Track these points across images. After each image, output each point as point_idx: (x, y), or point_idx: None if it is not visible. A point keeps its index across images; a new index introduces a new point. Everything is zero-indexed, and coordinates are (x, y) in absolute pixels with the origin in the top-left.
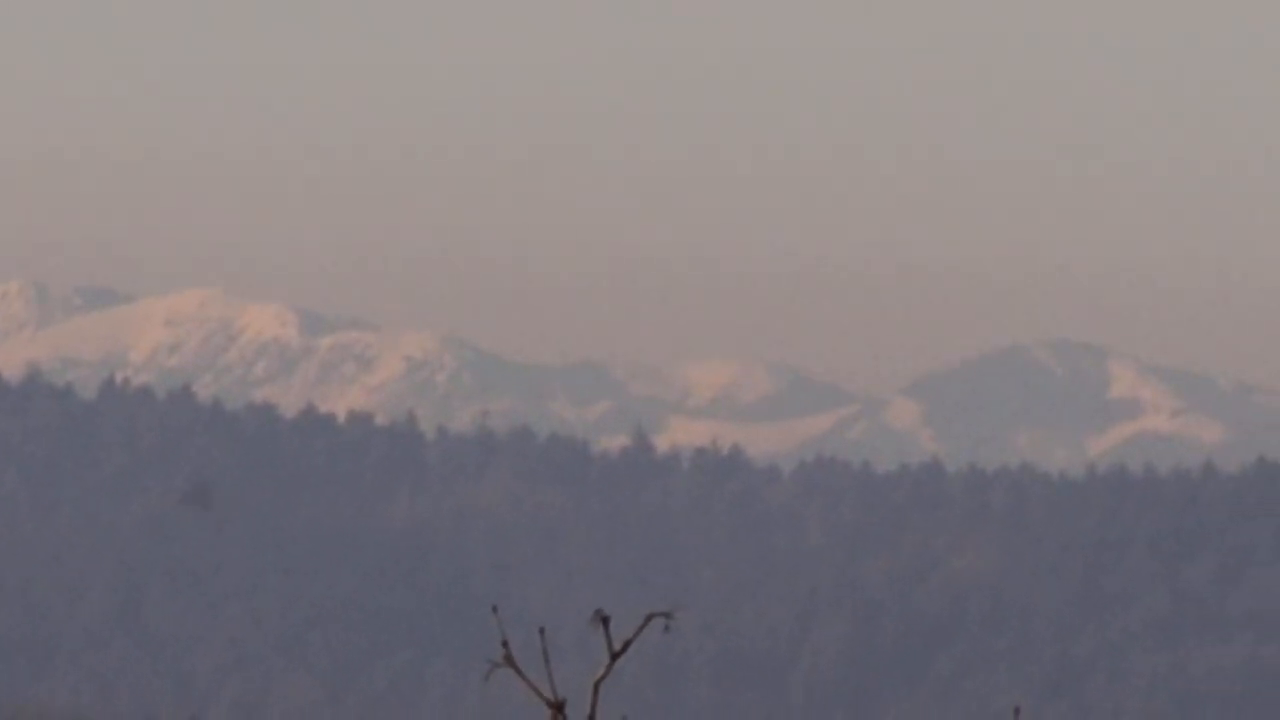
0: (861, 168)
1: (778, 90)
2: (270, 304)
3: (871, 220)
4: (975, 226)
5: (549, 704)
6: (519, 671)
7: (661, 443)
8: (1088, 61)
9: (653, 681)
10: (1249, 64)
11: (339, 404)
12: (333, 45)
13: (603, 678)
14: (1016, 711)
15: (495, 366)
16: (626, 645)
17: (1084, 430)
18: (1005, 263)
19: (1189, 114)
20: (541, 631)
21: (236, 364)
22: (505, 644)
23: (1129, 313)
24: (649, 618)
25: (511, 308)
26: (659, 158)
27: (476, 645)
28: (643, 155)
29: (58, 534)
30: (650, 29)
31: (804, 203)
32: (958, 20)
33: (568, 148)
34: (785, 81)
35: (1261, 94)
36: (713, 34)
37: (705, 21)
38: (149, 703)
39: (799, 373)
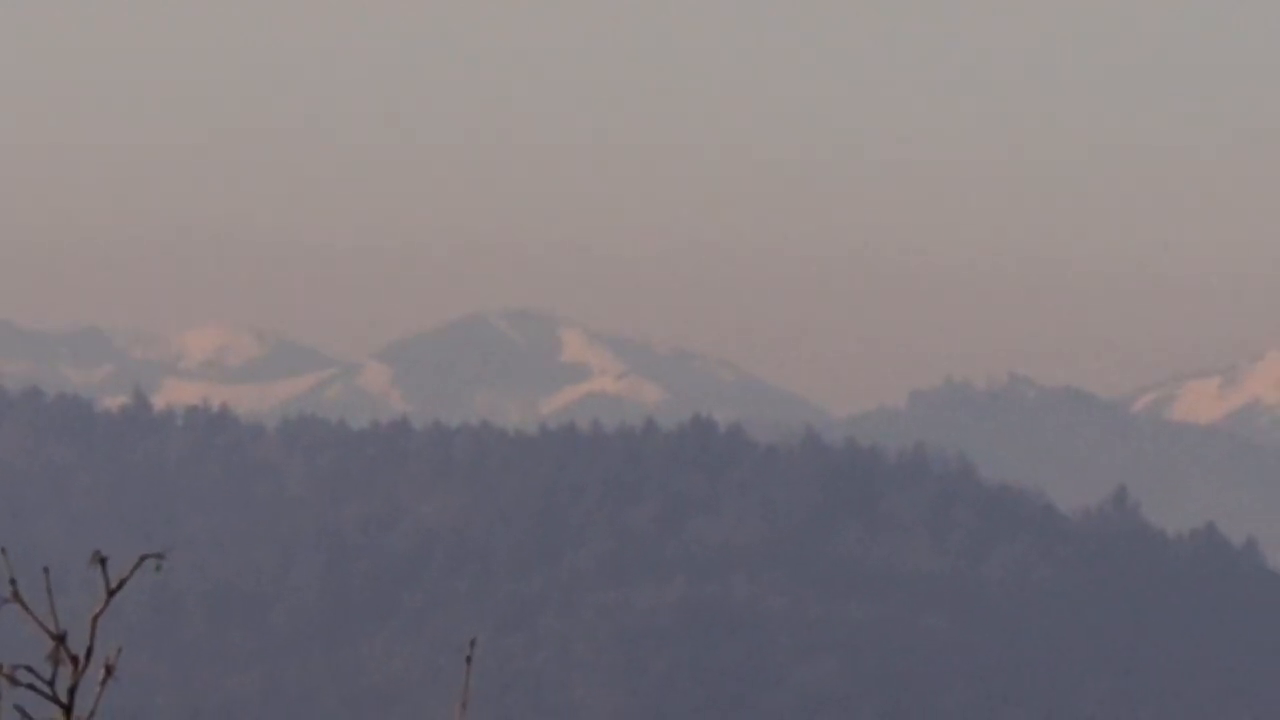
0: (351, 152)
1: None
2: None
3: (334, 193)
4: (437, 202)
5: (52, 636)
6: (25, 607)
7: (158, 402)
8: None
9: (150, 616)
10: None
11: None
12: None
13: (100, 612)
14: (473, 643)
15: (8, 331)
16: (122, 583)
17: (538, 391)
18: (462, 235)
19: (630, 100)
20: (46, 571)
21: None
22: (14, 582)
23: (578, 285)
24: (142, 559)
25: (22, 276)
26: (190, 141)
27: None
28: (177, 138)
29: None
30: None
31: (300, 183)
32: None
33: (100, 128)
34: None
35: (723, 76)
36: None
37: None
38: None
39: (282, 338)
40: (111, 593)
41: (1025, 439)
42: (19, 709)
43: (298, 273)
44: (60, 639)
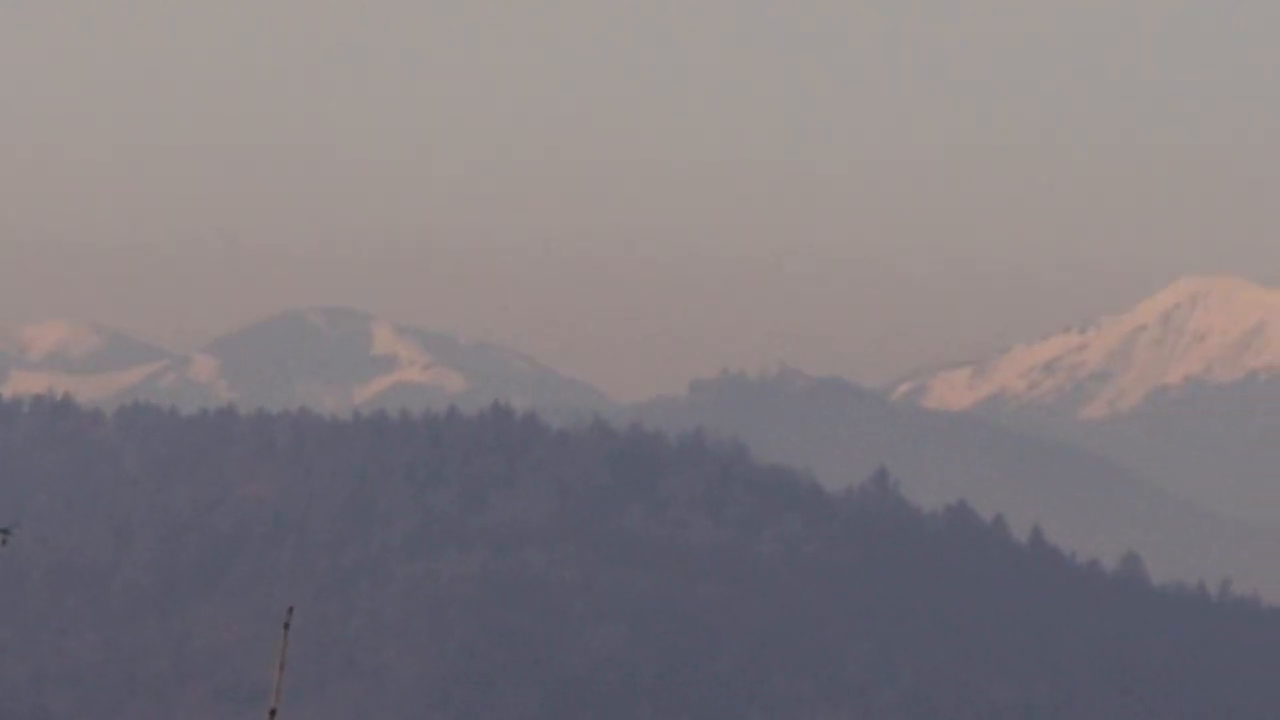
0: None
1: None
2: None
3: (173, 192)
4: (258, 204)
5: None
6: None
7: (5, 391)
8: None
9: None
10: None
11: None
12: None
13: None
14: (291, 611)
15: None
16: None
17: (351, 381)
18: (281, 235)
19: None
20: None
21: None
22: None
23: (386, 284)
24: None
25: None
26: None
27: None
28: (17, 140)
29: None
30: None
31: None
32: None
33: None
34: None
35: (512, 75)
36: None
37: None
38: None
39: (119, 333)
40: None
41: (795, 425)
42: None
43: (133, 272)
44: None
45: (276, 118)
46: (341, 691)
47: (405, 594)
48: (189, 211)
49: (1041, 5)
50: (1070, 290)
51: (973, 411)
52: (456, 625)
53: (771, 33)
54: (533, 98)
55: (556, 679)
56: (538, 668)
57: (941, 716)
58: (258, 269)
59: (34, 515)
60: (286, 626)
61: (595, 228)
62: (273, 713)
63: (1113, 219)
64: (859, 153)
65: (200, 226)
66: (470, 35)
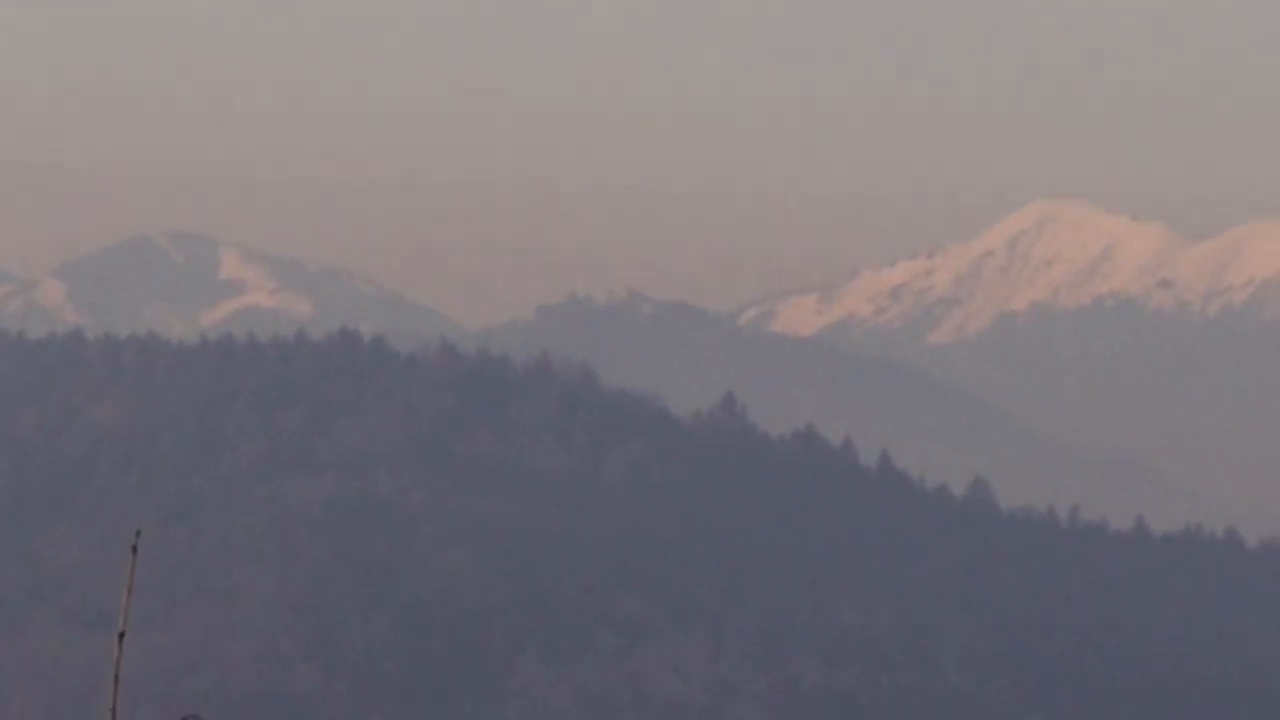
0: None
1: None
2: None
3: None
4: (108, 129)
5: None
6: None
7: None
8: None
9: None
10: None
11: None
12: None
13: None
14: (138, 534)
15: None
16: None
17: (199, 306)
18: (129, 161)
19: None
20: None
21: None
22: None
23: (235, 207)
24: None
25: None
26: None
27: None
28: None
29: None
30: None
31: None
32: None
33: None
34: None
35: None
36: None
37: None
38: None
39: None
40: None
41: (642, 350)
42: None
43: None
44: None
45: (127, 39)
46: (190, 615)
47: (253, 518)
48: (35, 134)
49: None
50: (917, 216)
51: (820, 336)
52: (305, 549)
53: None
54: (386, 24)
55: (405, 602)
56: (386, 591)
57: (791, 640)
58: (105, 193)
59: None
60: (134, 550)
61: (444, 152)
62: (121, 635)
63: (959, 144)
64: (709, 79)
65: (46, 150)
66: None
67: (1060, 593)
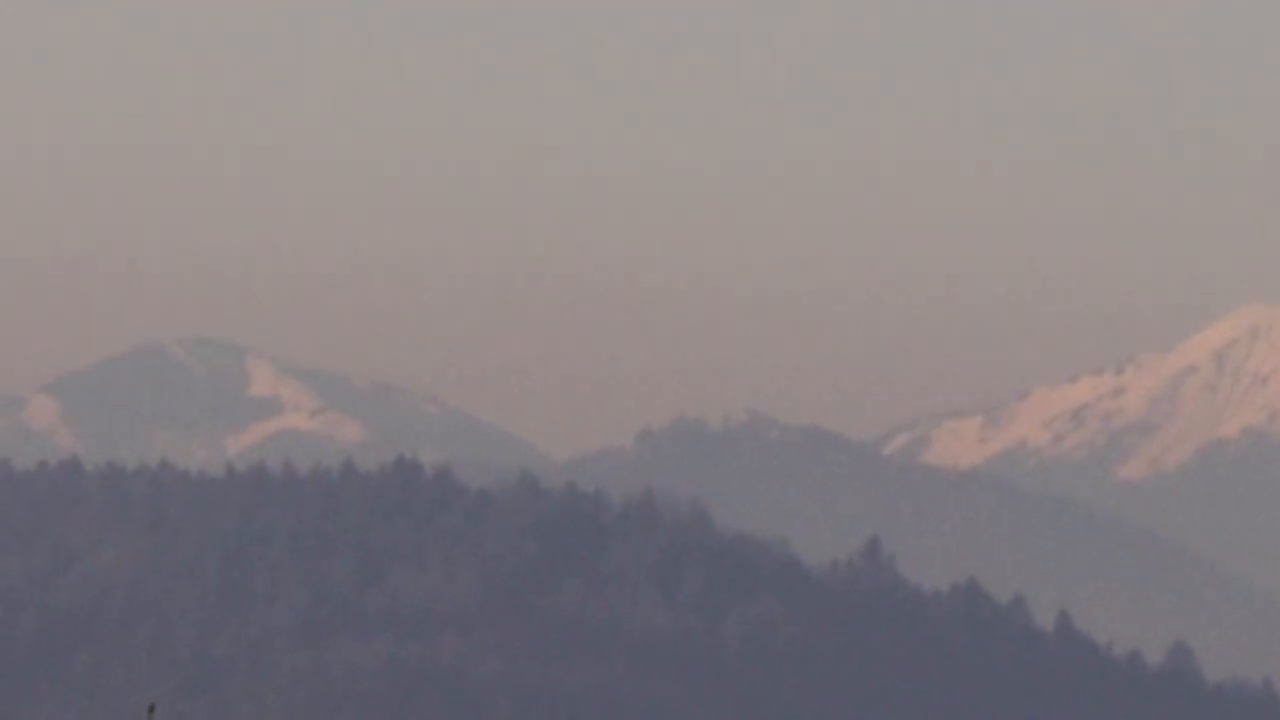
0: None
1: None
2: None
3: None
4: (109, 222)
5: None
6: None
7: None
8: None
9: None
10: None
11: None
12: None
13: None
14: (152, 708)
15: None
16: None
17: (223, 428)
18: (140, 259)
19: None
20: None
21: None
22: None
23: (265, 312)
24: None
25: None
26: None
27: None
28: None
29: None
30: None
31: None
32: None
33: None
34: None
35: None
36: None
37: None
38: None
39: None
40: None
41: (766, 483)
42: None
43: None
44: None
45: (130, 117)
46: None
47: (290, 689)
48: (22, 222)
49: (1045, 20)
50: (1102, 323)
51: (984, 469)
52: None
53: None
54: (459, 114)
55: None
56: None
57: None
58: (106, 290)
59: None
60: None
61: (519, 249)
62: None
63: (1154, 235)
64: (841, 163)
65: (36, 241)
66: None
67: None
